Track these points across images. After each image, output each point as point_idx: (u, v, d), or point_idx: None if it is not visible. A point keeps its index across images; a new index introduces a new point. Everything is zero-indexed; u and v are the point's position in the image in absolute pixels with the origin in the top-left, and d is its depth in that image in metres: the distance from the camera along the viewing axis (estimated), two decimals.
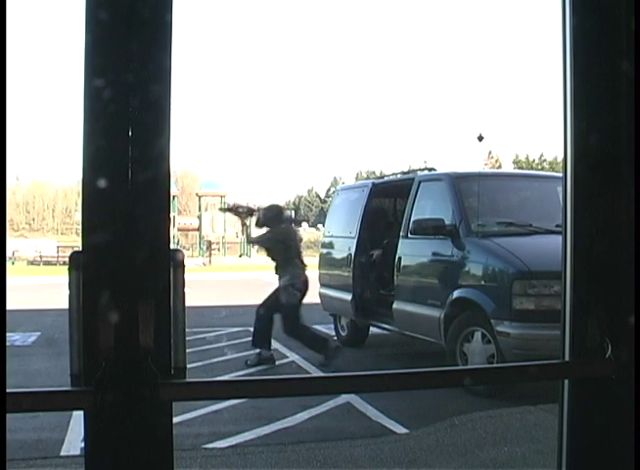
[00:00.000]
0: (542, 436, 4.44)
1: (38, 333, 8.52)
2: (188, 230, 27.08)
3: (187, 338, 1.53)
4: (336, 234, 8.98)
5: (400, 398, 5.03)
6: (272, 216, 7.30)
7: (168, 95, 1.50)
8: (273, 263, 7.32)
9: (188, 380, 1.53)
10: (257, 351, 7.21)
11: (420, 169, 8.30)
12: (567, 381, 1.82)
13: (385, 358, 7.88)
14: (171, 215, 2.81)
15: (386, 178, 9.22)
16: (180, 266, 1.51)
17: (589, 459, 1.77)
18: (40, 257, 24.82)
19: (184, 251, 1.68)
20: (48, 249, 25.30)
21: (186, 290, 1.53)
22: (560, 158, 4.06)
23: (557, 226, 5.15)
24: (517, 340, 5.66)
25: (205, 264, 23.20)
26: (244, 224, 7.81)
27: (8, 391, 1.38)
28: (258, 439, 4.77)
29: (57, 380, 5.78)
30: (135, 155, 1.46)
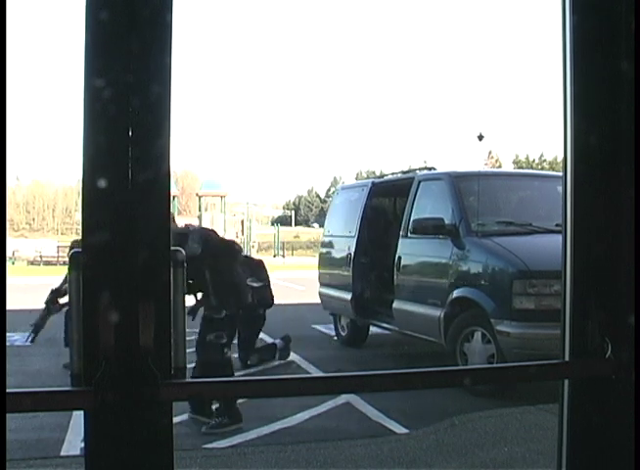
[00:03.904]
0: (542, 436, 4.44)
1: None
2: None
3: (187, 338, 1.53)
4: (335, 233, 8.97)
5: (400, 398, 5.02)
6: None
7: (168, 95, 1.49)
8: None
9: (188, 380, 1.53)
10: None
11: (420, 169, 8.29)
12: (567, 381, 1.82)
13: (385, 358, 7.88)
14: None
15: (385, 178, 9.21)
16: (180, 266, 1.51)
17: (589, 459, 1.77)
18: (40, 257, 24.81)
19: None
20: (48, 249, 25.28)
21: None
22: (560, 158, 4.06)
23: (557, 225, 5.15)
24: (517, 339, 5.66)
25: None
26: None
27: (8, 391, 1.38)
28: (258, 439, 4.77)
29: (57, 380, 5.79)
30: (135, 155, 1.46)
